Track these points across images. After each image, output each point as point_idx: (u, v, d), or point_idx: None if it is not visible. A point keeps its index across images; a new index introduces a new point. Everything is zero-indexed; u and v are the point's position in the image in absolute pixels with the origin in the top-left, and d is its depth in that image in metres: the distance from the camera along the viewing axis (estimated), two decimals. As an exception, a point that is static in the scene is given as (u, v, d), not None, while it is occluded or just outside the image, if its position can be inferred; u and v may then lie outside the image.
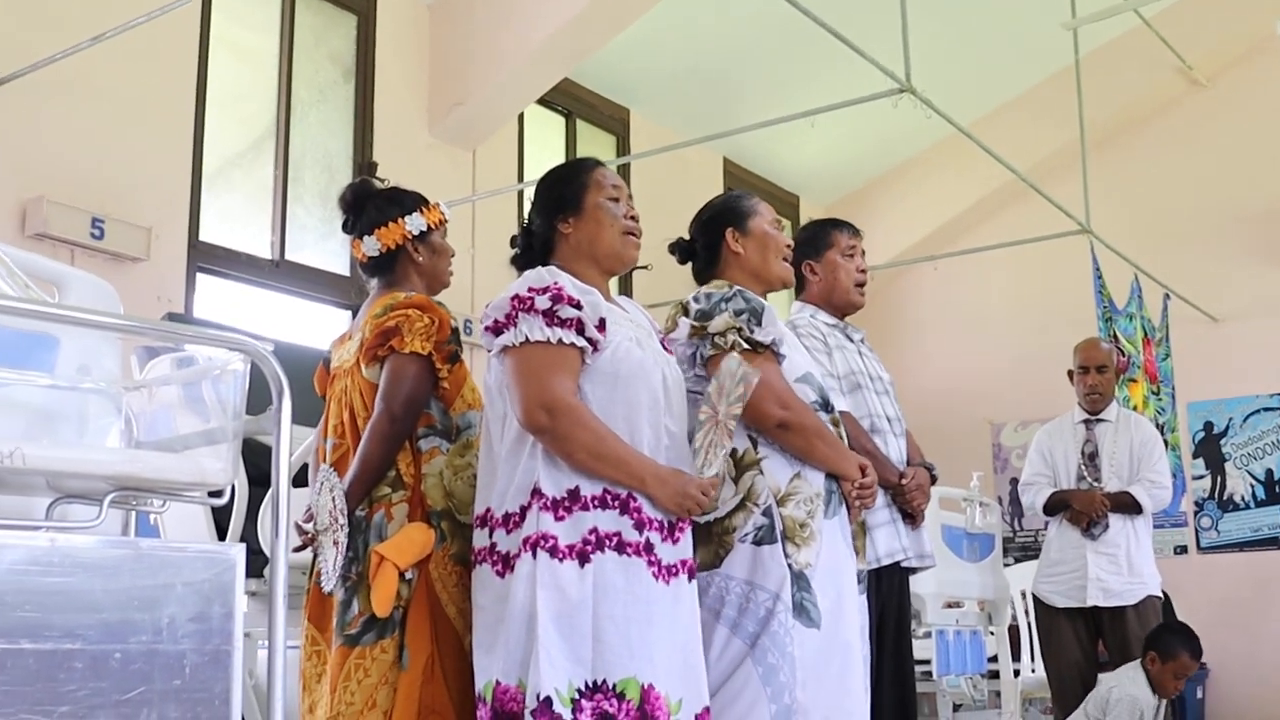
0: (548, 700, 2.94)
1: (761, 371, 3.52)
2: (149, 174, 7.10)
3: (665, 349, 3.46)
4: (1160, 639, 5.99)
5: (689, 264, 3.98)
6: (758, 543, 3.43)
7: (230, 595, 2.44)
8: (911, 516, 4.43)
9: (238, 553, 2.49)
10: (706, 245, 3.92)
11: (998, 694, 7.31)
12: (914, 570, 4.54)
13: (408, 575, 3.37)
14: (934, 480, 4.56)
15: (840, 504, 3.64)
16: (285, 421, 2.60)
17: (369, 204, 3.77)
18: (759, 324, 3.60)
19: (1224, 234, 10.84)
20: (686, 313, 3.65)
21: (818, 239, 4.64)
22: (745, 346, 3.55)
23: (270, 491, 2.71)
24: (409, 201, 3.78)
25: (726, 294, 3.66)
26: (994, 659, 7.05)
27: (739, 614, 3.38)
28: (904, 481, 4.39)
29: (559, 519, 3.06)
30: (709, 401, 3.25)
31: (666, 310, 3.74)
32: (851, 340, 4.57)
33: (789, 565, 3.42)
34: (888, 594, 4.37)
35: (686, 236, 3.98)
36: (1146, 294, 9.87)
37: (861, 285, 4.61)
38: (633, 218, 3.44)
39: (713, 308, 3.62)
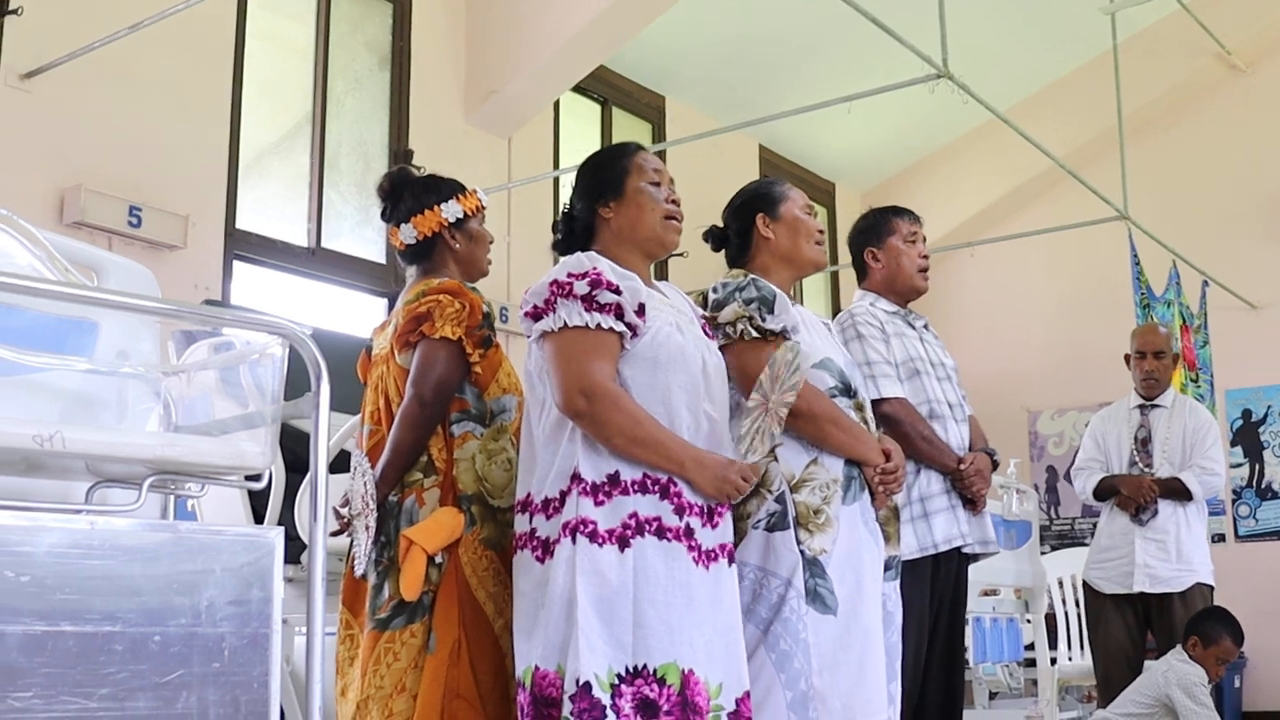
0: (587, 685, 2.92)
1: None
2: (186, 162, 7.14)
3: (707, 334, 3.46)
4: (1202, 624, 5.94)
5: (722, 251, 3.98)
6: (770, 529, 3.42)
7: (269, 579, 2.45)
8: (972, 502, 4.40)
9: (277, 536, 2.49)
10: (739, 232, 3.91)
11: (1034, 682, 7.29)
12: (975, 557, 4.52)
13: (437, 560, 3.37)
14: (995, 466, 4.55)
15: (861, 490, 3.61)
16: (324, 405, 2.60)
17: (406, 192, 3.78)
18: (770, 312, 3.58)
19: (1263, 220, 10.76)
20: (705, 303, 3.65)
21: (879, 226, 4.65)
22: (755, 335, 3.55)
23: (308, 477, 2.71)
24: (446, 189, 3.78)
25: (740, 283, 3.65)
26: (1030, 647, 7.03)
27: (752, 600, 3.37)
28: (963, 466, 4.38)
29: (598, 504, 3.05)
30: (761, 389, 3.24)
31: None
32: (913, 327, 4.55)
33: (802, 551, 3.41)
34: (945, 580, 4.35)
35: (719, 224, 3.98)
36: (1185, 281, 9.80)
37: (924, 270, 4.62)
38: (674, 202, 3.43)
39: (727, 297, 3.62)
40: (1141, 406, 6.52)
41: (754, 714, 3.23)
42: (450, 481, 3.46)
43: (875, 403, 4.05)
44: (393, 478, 3.48)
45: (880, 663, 3.51)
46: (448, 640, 3.35)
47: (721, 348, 3.50)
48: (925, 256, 4.63)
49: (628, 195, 3.39)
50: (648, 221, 3.38)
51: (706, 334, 3.45)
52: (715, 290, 3.67)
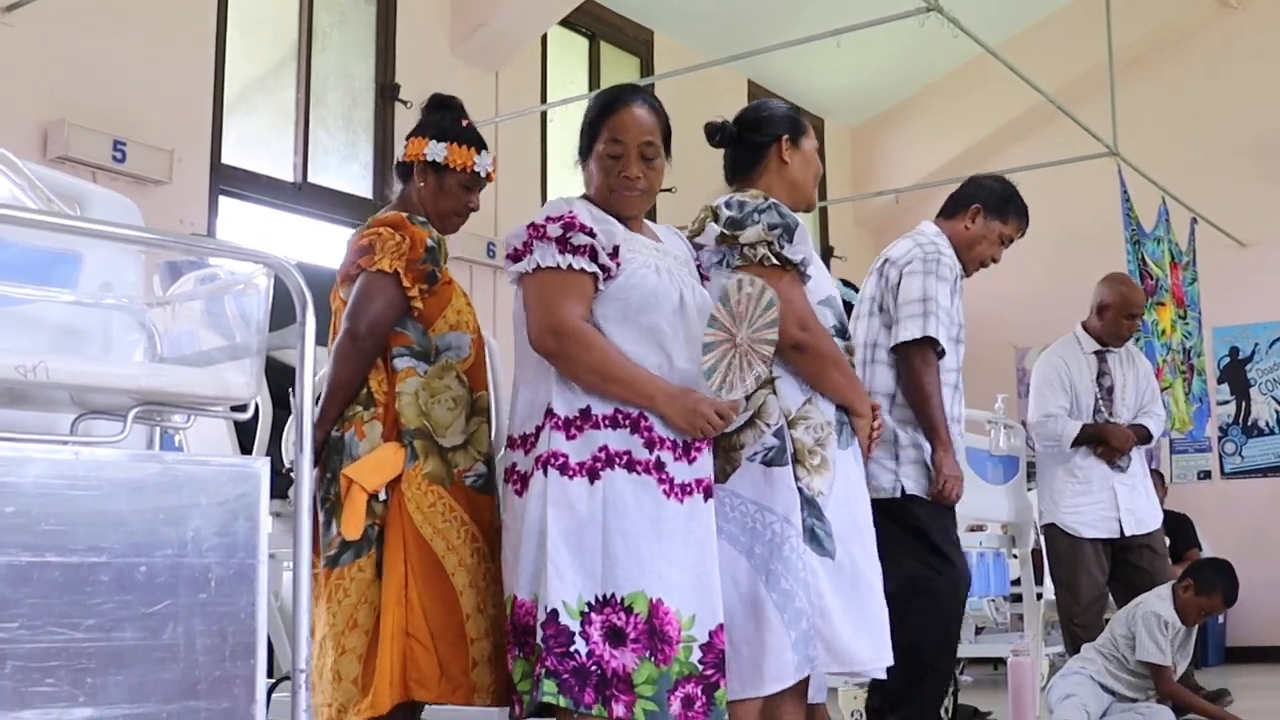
0: (555, 612, 3.02)
1: (786, 290, 3.45)
2: (171, 97, 7.09)
3: (704, 277, 3.48)
4: (1204, 571, 5.94)
5: (718, 146, 3.87)
6: (768, 463, 3.39)
7: (255, 509, 2.44)
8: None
9: (263, 466, 2.48)
10: (753, 147, 3.80)
11: (1020, 616, 7.33)
12: None
13: (381, 496, 3.35)
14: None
15: (853, 435, 3.61)
16: (309, 335, 2.58)
17: (430, 115, 3.74)
18: (790, 241, 3.51)
19: (1252, 158, 10.76)
20: (716, 218, 3.56)
21: (1006, 207, 4.77)
22: (774, 262, 3.47)
23: (294, 410, 2.69)
24: (447, 130, 3.67)
25: (761, 205, 3.55)
26: (1016, 581, 7.07)
27: (750, 538, 3.35)
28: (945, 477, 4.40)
29: (570, 438, 3.15)
30: (719, 325, 3.19)
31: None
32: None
33: (800, 490, 3.40)
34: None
35: (726, 127, 3.85)
36: (1174, 218, 9.79)
37: (982, 268, 4.77)
38: (628, 176, 3.35)
39: (745, 217, 3.52)
40: (1099, 353, 6.52)
41: (761, 655, 3.27)
42: (392, 415, 3.42)
43: (917, 341, 4.29)
44: (332, 414, 3.42)
45: (877, 605, 3.50)
46: (394, 577, 3.32)
47: (736, 268, 3.46)
48: (997, 260, 4.81)
49: (592, 157, 3.40)
50: (600, 186, 3.38)
51: (703, 277, 3.48)
52: (730, 207, 3.56)
